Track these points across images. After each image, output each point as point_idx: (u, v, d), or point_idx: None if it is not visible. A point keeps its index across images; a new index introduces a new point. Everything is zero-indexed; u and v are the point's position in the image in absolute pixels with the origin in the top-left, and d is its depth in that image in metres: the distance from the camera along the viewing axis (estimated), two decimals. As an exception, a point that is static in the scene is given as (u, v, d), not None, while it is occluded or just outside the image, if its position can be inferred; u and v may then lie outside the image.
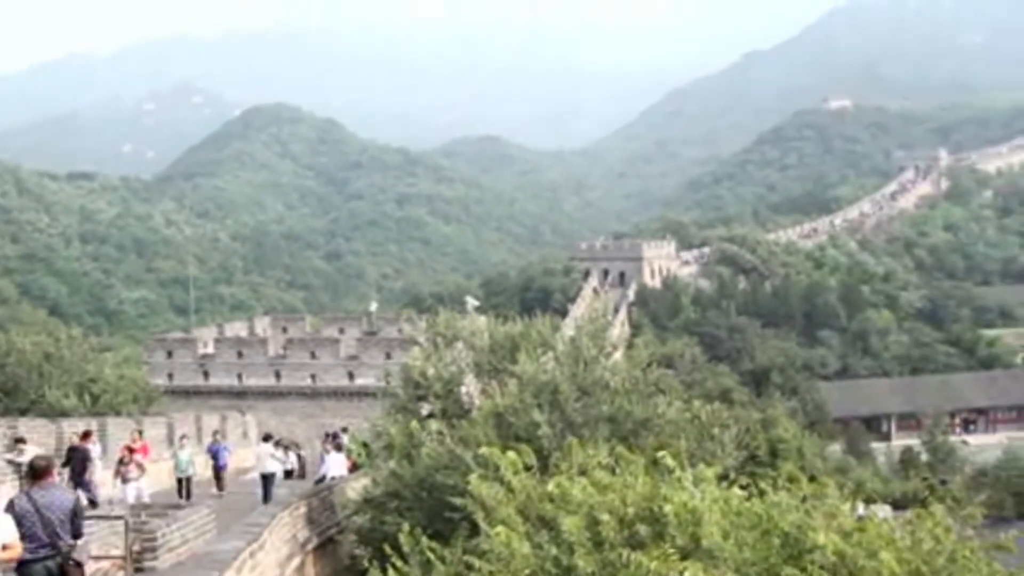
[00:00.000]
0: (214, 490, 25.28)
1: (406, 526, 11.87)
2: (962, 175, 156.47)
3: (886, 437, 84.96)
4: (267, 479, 23.10)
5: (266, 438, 25.72)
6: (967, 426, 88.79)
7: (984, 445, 74.56)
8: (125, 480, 21.49)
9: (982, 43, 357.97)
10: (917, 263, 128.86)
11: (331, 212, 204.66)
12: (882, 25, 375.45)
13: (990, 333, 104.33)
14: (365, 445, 25.66)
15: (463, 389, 19.58)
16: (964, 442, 74.88)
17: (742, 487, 10.27)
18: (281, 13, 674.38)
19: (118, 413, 32.96)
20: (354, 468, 27.14)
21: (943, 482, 40.23)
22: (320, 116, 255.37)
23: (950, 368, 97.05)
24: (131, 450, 22.34)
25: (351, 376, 46.58)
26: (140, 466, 21.83)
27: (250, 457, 34.41)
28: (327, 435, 30.85)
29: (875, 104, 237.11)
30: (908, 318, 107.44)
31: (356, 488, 21.12)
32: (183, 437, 25.92)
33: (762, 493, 9.90)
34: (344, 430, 35.07)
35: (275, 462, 24.43)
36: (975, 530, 10.35)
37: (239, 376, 47.81)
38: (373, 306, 63.51)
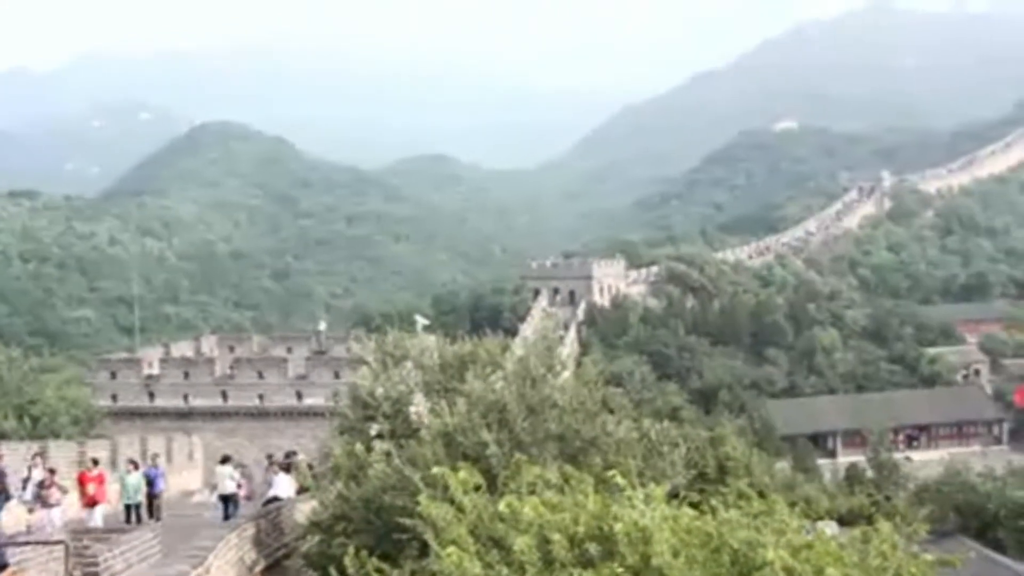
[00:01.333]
0: (147, 519, 24.36)
1: (352, 549, 11.73)
2: (904, 196, 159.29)
3: (832, 454, 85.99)
4: (227, 500, 22.97)
5: (225, 460, 25.58)
6: (910, 442, 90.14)
7: (927, 461, 75.66)
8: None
9: (921, 67, 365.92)
10: (861, 282, 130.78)
11: (280, 231, 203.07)
12: (826, 49, 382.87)
13: (932, 351, 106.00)
14: (310, 466, 25.42)
15: (412, 409, 19.43)
16: (907, 458, 75.85)
17: (692, 505, 10.29)
18: (231, 31, 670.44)
19: (57, 436, 32.34)
20: (303, 490, 26.84)
21: (888, 498, 40.70)
22: (269, 134, 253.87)
23: (894, 385, 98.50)
24: (82, 477, 22.20)
25: (299, 396, 46.18)
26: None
27: (195, 479, 33.99)
28: (269, 458, 30.43)
29: (820, 126, 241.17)
30: (853, 336, 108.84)
31: (304, 510, 20.87)
32: (131, 462, 25.29)
33: (712, 511, 9.92)
34: (293, 453, 34.60)
35: (232, 484, 24.27)
36: (919, 545, 10.48)
37: (185, 397, 47.16)
38: (322, 325, 63.08)
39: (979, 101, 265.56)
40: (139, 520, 22.89)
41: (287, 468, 27.51)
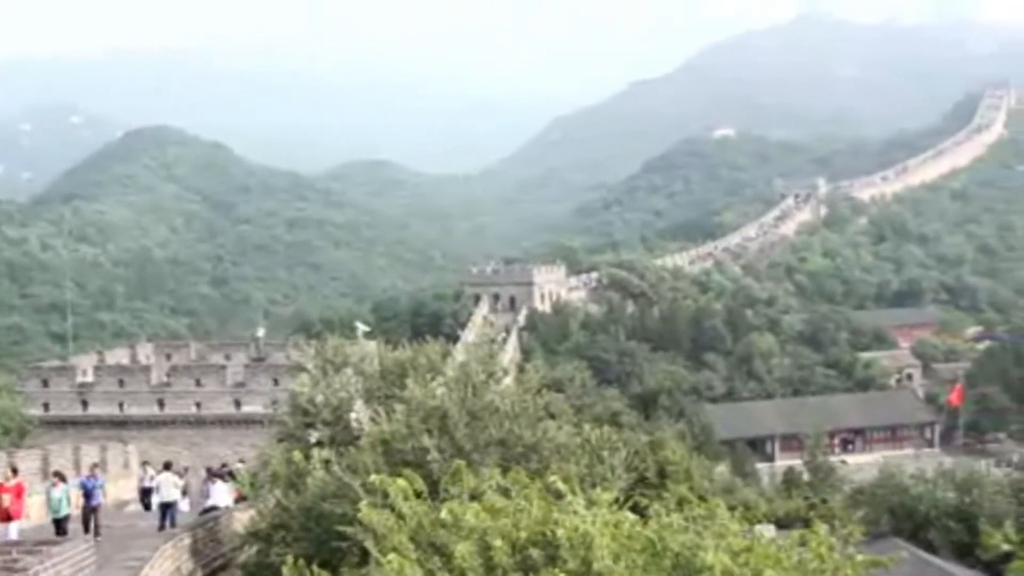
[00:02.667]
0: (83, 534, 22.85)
1: (290, 558, 11.57)
2: (839, 203, 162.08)
3: (770, 458, 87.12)
4: (167, 508, 22.59)
5: (166, 466, 25.26)
6: (845, 446, 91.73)
7: (861, 464, 76.99)
8: None
9: (854, 78, 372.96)
10: (798, 288, 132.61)
11: (218, 236, 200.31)
12: (762, 59, 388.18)
13: (866, 356, 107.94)
14: (251, 475, 25.16)
15: (352, 415, 19.29)
16: (843, 461, 77.08)
17: (633, 510, 10.32)
18: (166, 33, 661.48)
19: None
20: (241, 499, 26.53)
21: (824, 501, 41.26)
22: (206, 139, 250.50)
23: (829, 390, 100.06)
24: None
25: (238, 404, 45.54)
26: None
27: (131, 488, 33.43)
28: (209, 471, 30.05)
29: (757, 134, 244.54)
30: (790, 341, 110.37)
31: (242, 520, 20.59)
32: (56, 474, 23.47)
33: (653, 515, 9.96)
34: (225, 466, 33.95)
35: (176, 491, 23.95)
36: (855, 547, 10.64)
37: (120, 405, 46.25)
38: (260, 332, 62.41)
39: (910, 112, 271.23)
40: (65, 534, 21.67)
41: (223, 477, 27.19)
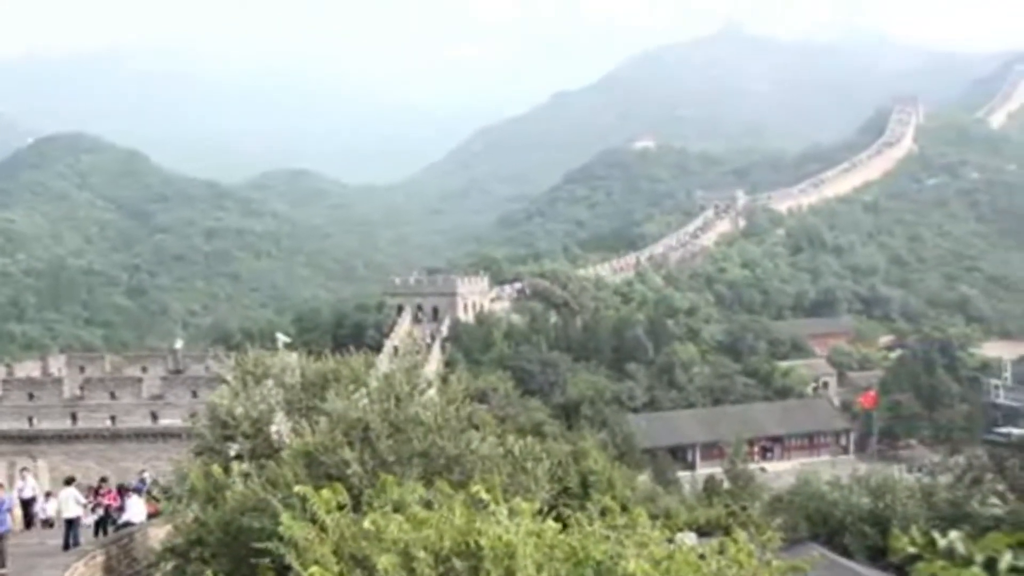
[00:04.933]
0: None
1: (209, 574, 11.38)
2: (757, 215, 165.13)
3: (691, 466, 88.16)
4: (71, 524, 21.94)
5: (69, 481, 24.52)
6: (765, 454, 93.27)
7: (780, 471, 78.52)
8: None
9: (771, 92, 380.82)
10: (718, 298, 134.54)
11: (134, 246, 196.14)
12: (680, 71, 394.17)
13: (784, 364, 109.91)
14: (168, 489, 24.61)
15: (273, 428, 19.04)
16: (762, 469, 78.46)
17: (556, 520, 10.36)
18: (80, 38, 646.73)
19: None
20: (156, 514, 25.95)
21: (744, 508, 41.84)
22: (122, 146, 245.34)
23: (749, 398, 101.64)
24: None
25: (154, 417, 44.62)
26: None
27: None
28: (120, 486, 29.33)
29: (677, 146, 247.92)
30: (710, 351, 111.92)
31: (158, 535, 20.16)
32: None
33: (576, 525, 10.01)
34: (143, 481, 33.22)
35: (79, 507, 23.27)
36: (773, 553, 10.83)
37: (30, 419, 44.96)
38: (178, 343, 61.36)
39: (824, 125, 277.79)
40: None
41: (138, 491, 26.59)
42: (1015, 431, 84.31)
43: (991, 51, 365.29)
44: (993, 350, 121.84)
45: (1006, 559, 3.12)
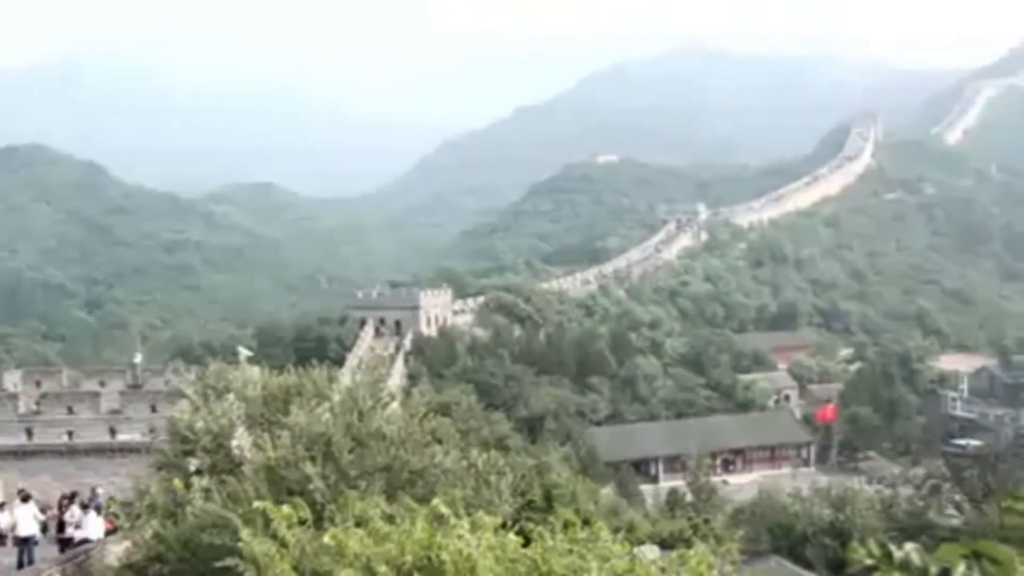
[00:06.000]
0: None
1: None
2: (719, 229, 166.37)
3: (654, 479, 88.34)
4: (25, 542, 21.55)
5: (25, 498, 24.10)
6: (727, 466, 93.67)
7: (742, 484, 78.90)
8: None
9: (731, 107, 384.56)
10: (680, 311, 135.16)
11: (93, 259, 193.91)
12: (643, 86, 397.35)
13: (746, 378, 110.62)
14: (127, 505, 24.28)
15: (234, 443, 18.86)
16: (724, 482, 78.79)
17: (519, 533, 10.35)
18: (38, 49, 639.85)
19: None
20: (114, 530, 25.60)
21: (706, 520, 42.09)
22: (81, 158, 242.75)
23: (711, 411, 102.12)
24: None
25: (113, 432, 44.02)
26: None
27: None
28: (63, 496, 28.78)
29: (640, 160, 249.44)
30: (673, 364, 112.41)
31: (116, 552, 19.88)
32: None
33: (538, 538, 10.01)
34: (96, 495, 32.69)
35: (35, 524, 22.86)
36: (733, 565, 10.88)
37: (-15, 435, 44.20)
38: (138, 357, 60.52)
39: (784, 140, 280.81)
40: None
41: (97, 508, 26.21)
42: (972, 443, 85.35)
43: (946, 69, 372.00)
44: (950, 363, 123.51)
45: (960, 570, 3.16)
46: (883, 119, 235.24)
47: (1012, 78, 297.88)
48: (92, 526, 23.87)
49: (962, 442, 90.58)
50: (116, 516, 25.80)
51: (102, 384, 50.03)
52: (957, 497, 45.40)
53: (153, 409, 42.63)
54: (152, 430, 31.27)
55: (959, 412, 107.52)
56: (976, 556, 3.17)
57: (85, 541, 23.00)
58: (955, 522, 39.86)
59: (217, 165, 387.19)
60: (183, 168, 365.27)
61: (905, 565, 3.23)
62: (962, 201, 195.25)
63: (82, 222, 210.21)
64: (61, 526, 26.20)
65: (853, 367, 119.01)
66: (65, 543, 24.73)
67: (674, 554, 10.53)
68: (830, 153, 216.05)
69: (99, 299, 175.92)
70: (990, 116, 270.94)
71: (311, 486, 15.17)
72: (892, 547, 3.31)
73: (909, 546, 3.29)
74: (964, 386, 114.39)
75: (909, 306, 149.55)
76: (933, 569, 3.20)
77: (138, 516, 17.32)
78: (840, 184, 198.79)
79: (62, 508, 27.28)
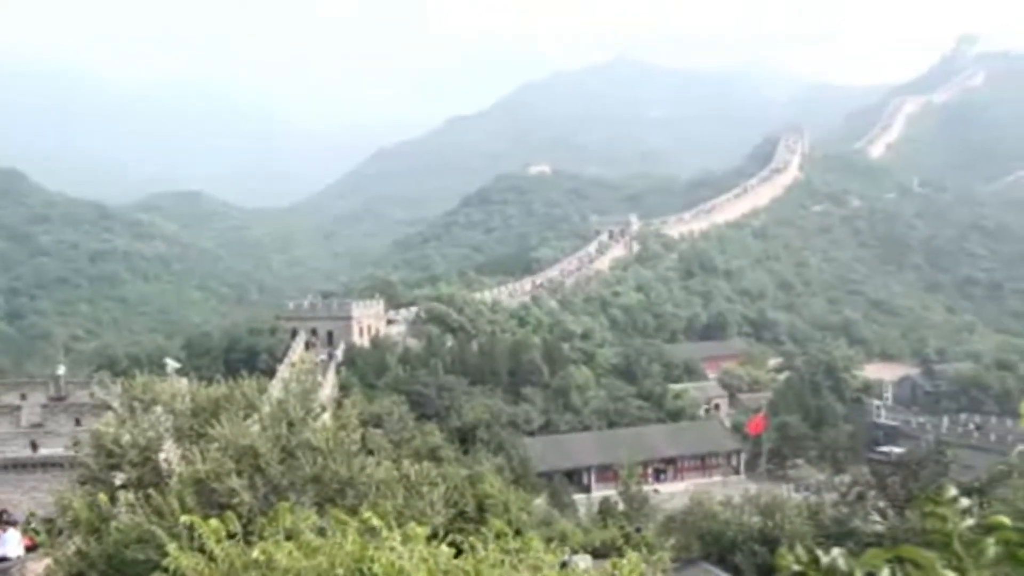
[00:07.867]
0: None
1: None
2: (650, 240, 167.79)
3: (586, 488, 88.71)
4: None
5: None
6: (658, 475, 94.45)
7: (673, 493, 79.56)
8: None
9: (663, 119, 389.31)
10: (612, 321, 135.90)
11: (13, 269, 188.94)
12: (574, 98, 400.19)
13: (677, 387, 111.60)
14: (49, 521, 23.69)
15: (162, 456, 18.52)
16: (656, 491, 79.37)
17: (451, 544, 10.32)
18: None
19: None
20: (33, 547, 24.91)
21: (638, 529, 42.37)
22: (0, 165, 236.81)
23: (643, 421, 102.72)
24: None
25: (34, 446, 42.93)
26: None
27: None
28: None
29: (571, 171, 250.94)
30: (605, 374, 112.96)
31: (36, 570, 19.37)
32: None
33: (471, 549, 9.98)
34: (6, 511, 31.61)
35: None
36: (664, 573, 10.98)
37: (-100, 450, 42.81)
38: (61, 369, 59.15)
39: (713, 152, 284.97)
40: None
41: (14, 523, 25.48)
42: (895, 450, 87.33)
43: (869, 84, 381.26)
44: (875, 372, 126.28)
45: (884, 574, 3.23)
46: (809, 133, 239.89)
47: (931, 95, 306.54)
48: (11, 544, 23.19)
49: (886, 449, 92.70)
50: (36, 533, 25.16)
51: (23, 397, 48.84)
52: (881, 503, 46.34)
53: (77, 422, 41.71)
54: (76, 444, 30.51)
55: (883, 420, 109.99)
56: (899, 560, 3.24)
57: (3, 560, 22.35)
58: (879, 527, 40.65)
59: (144, 173, 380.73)
60: (109, 176, 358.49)
61: (832, 570, 3.28)
62: (885, 213, 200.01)
63: (2, 230, 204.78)
64: None
65: (782, 376, 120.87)
66: None
67: (606, 563, 10.58)
68: (759, 166, 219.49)
69: (20, 310, 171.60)
70: (911, 132, 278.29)
71: (239, 499, 14.97)
72: (819, 553, 3.36)
73: (836, 551, 3.35)
74: (888, 394, 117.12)
75: (835, 316, 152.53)
76: (858, 573, 3.26)
77: (60, 532, 16.92)
78: (768, 196, 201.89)
79: None
